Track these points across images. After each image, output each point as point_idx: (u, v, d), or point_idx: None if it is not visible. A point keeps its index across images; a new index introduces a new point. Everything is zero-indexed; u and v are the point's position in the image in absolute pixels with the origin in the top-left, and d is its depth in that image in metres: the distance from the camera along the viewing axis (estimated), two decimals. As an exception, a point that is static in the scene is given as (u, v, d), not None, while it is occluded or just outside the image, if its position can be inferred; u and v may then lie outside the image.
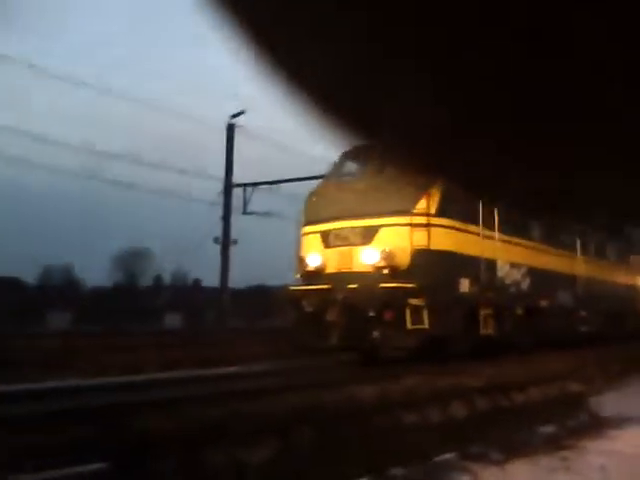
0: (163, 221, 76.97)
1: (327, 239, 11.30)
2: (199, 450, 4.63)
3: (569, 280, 15.81)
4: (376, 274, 10.45)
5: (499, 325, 12.16)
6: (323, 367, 11.28)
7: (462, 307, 11.21)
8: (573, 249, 16.25)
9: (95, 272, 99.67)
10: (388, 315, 10.15)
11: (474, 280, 11.49)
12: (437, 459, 4.84)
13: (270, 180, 27.00)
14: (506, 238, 12.71)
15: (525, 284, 13.43)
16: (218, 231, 27.71)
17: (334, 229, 11.20)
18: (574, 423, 6.64)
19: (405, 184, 10.96)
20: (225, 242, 27.71)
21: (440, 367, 9.85)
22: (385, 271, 10.42)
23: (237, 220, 28.14)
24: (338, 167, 12.70)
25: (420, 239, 10.52)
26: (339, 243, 11.09)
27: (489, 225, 12.08)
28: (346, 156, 12.71)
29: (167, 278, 70.69)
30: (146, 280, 74.06)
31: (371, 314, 10.18)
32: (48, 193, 77.35)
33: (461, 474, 4.55)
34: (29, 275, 69.27)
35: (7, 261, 75.62)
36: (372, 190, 11.23)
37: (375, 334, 10.28)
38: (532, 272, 13.66)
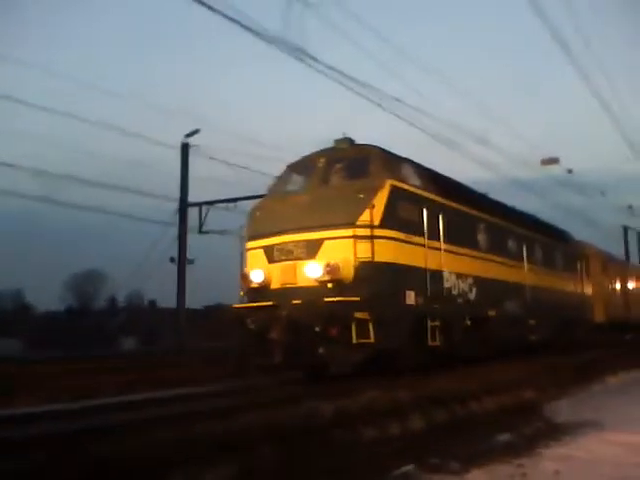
0: (117, 242, 75.64)
1: (271, 254, 11.05)
2: (159, 473, 4.55)
3: (517, 289, 15.93)
4: (320, 288, 10.25)
5: (447, 336, 12.07)
6: (274, 385, 11.12)
7: (408, 319, 11.08)
8: (520, 258, 16.40)
9: (47, 296, 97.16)
10: (333, 330, 9.94)
11: (420, 291, 11.39)
12: (396, 472, 4.84)
13: (226, 198, 26.86)
14: (451, 248, 12.68)
15: (472, 294, 13.42)
16: (174, 251, 27.46)
17: (278, 243, 10.96)
18: (529, 430, 6.72)
19: (348, 195, 10.85)
20: (181, 262, 27.35)
21: (390, 381, 9.77)
22: (329, 285, 10.22)
23: (194, 240, 28.09)
24: (282, 180, 12.52)
25: (364, 251, 10.35)
26: (283, 258, 10.86)
27: (434, 236, 12.03)
28: (291, 169, 12.58)
29: (122, 300, 69.48)
30: (100, 303, 72.77)
31: (316, 329, 9.96)
32: (-1, 216, 75.36)
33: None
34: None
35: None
36: (316, 202, 11.08)
37: (321, 350, 10.05)
38: (479, 282, 13.68)
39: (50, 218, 76.16)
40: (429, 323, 11.53)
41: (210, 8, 10.06)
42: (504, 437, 6.31)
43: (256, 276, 11.00)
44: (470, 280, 13.39)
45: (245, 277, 11.16)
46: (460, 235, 13.30)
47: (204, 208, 27.76)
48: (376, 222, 10.54)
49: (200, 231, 27.79)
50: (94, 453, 5.01)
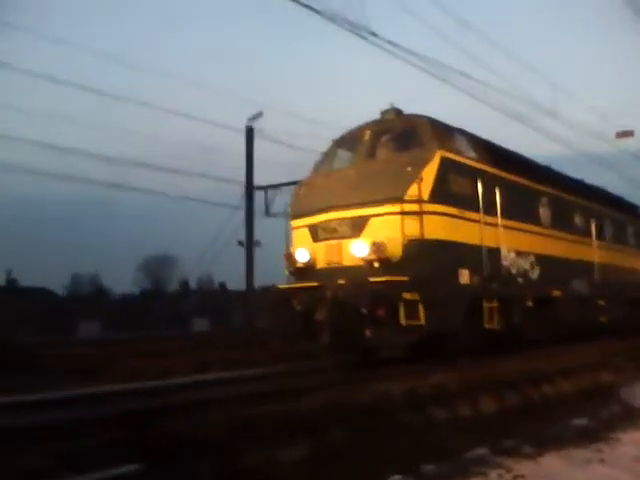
0: (187, 227, 77.21)
1: (315, 232, 10.56)
2: (233, 450, 4.65)
3: (585, 267, 14.88)
4: (366, 268, 9.70)
5: (506, 318, 11.31)
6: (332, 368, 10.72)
7: (462, 300, 10.39)
8: (588, 234, 15.30)
9: (121, 280, 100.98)
10: (380, 312, 9.38)
11: (475, 271, 10.67)
12: (469, 454, 4.74)
13: (291, 181, 26.65)
14: (510, 224, 11.85)
15: (534, 273, 12.56)
16: (242, 234, 27.60)
17: (322, 221, 10.45)
18: (606, 414, 6.55)
19: (395, 169, 10.23)
20: (249, 244, 27.48)
21: (451, 364, 9.43)
22: (376, 265, 9.65)
23: (260, 223, 27.93)
24: (328, 156, 11.98)
25: (412, 228, 9.72)
26: (328, 236, 10.35)
27: (490, 211, 11.24)
28: (337, 143, 12.03)
29: (193, 283, 71.17)
30: (172, 286, 74.90)
31: (363, 311, 9.44)
32: (71, 203, 78.32)
33: (494, 469, 4.41)
34: (58, 285, 70.37)
35: (36, 271, 77.05)
36: (361, 177, 10.51)
37: (367, 333, 9.53)
38: (542, 260, 12.79)
39: (122, 204, 78.54)
40: (485, 304, 10.81)
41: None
42: (580, 421, 6.08)
43: (301, 255, 10.55)
44: (532, 258, 12.52)
45: (290, 257, 10.72)
46: (520, 210, 12.43)
47: (270, 191, 27.53)
48: (425, 197, 9.88)
49: (267, 214, 27.54)
50: (170, 430, 5.17)
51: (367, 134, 11.23)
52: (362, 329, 9.52)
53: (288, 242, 11.26)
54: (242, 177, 27.69)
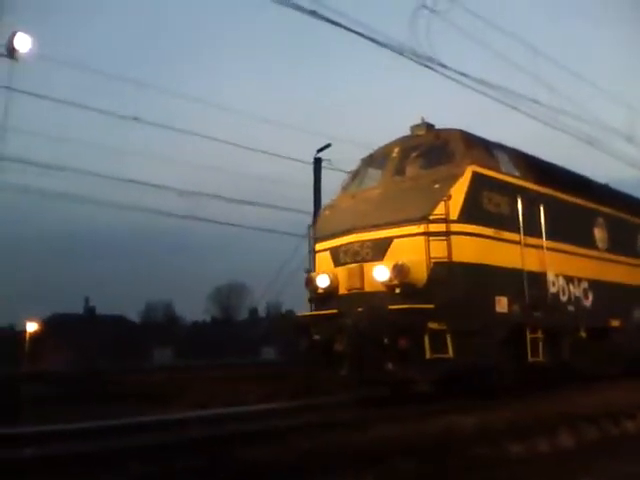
0: (257, 257, 78.25)
1: (337, 256, 9.80)
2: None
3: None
4: (388, 294, 8.86)
5: (554, 350, 10.14)
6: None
7: (499, 330, 9.34)
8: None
9: (193, 308, 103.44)
10: (402, 342, 8.50)
11: (515, 297, 9.61)
12: None
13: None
14: (558, 246, 10.72)
15: (588, 301, 11.31)
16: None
17: (344, 244, 9.69)
18: None
19: (423, 186, 9.41)
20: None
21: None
22: (397, 290, 8.80)
23: None
24: (356, 175, 11.26)
25: (439, 250, 8.82)
26: (349, 260, 9.55)
27: (533, 231, 10.18)
28: (365, 162, 11.31)
29: (262, 311, 71.74)
30: (242, 313, 75.87)
31: (385, 341, 8.58)
32: (146, 234, 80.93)
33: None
34: (132, 312, 72.69)
35: (112, 300, 79.99)
36: (387, 197, 9.74)
37: (389, 366, 8.65)
38: (597, 286, 11.52)
39: (194, 234, 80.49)
40: (529, 335, 9.70)
41: (336, 24, 9.88)
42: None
43: (322, 281, 9.79)
44: (585, 284, 11.29)
45: (310, 282, 9.98)
46: (571, 231, 11.28)
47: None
48: (453, 216, 8.97)
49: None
50: (243, 457, 5.35)
51: (396, 151, 10.46)
52: (383, 361, 8.68)
53: (310, 267, 10.54)
54: (311, 207, 27.71)
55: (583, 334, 10.99)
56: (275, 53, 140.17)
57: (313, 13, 9.64)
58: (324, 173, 27.43)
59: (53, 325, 52.53)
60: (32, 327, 46.55)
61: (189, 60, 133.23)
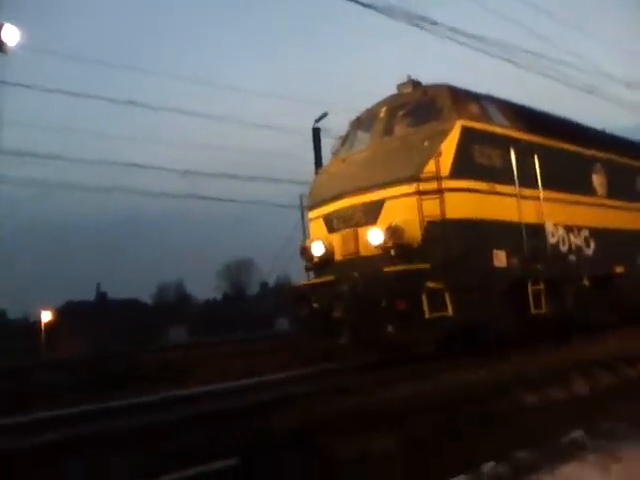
0: (264, 232, 78.53)
1: (330, 222, 9.68)
2: (322, 441, 4.71)
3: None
4: (383, 257, 8.74)
5: (557, 302, 10.03)
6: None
7: (499, 285, 9.23)
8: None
9: (204, 286, 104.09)
10: (401, 304, 8.40)
11: (514, 251, 9.47)
12: (564, 439, 4.45)
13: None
14: (556, 196, 10.53)
15: (590, 249, 11.15)
16: None
17: (336, 210, 9.56)
18: None
19: (412, 145, 9.22)
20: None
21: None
22: (392, 252, 8.67)
23: None
24: (345, 139, 11.06)
25: (431, 209, 8.67)
26: (343, 225, 9.43)
27: (529, 182, 9.99)
28: (354, 125, 11.09)
29: (272, 284, 71.96)
30: (252, 288, 76.22)
31: (382, 305, 8.50)
32: (148, 217, 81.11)
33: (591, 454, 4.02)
34: (145, 294, 73.24)
35: (124, 284, 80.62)
36: (376, 158, 9.57)
37: (389, 329, 8.58)
38: (598, 234, 11.35)
39: (200, 214, 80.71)
40: (530, 288, 9.58)
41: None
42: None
43: (316, 248, 9.69)
44: (585, 232, 11.12)
45: (305, 251, 9.87)
46: (568, 179, 11.07)
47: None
48: (445, 172, 8.80)
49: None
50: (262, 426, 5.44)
51: (383, 111, 10.24)
52: (383, 325, 8.60)
53: (305, 235, 10.43)
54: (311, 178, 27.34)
55: (586, 283, 10.86)
56: (266, 27, 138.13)
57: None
58: (326, 143, 27.17)
59: (67, 313, 53.01)
60: (46, 317, 46.99)
61: (188, 40, 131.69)
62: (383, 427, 5.01)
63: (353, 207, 9.26)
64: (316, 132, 26.84)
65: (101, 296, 68.41)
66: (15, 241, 65.67)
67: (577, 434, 4.53)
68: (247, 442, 4.89)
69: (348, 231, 9.32)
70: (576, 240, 10.90)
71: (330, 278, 9.25)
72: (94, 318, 54.77)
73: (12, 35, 13.66)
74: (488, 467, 3.92)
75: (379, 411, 5.62)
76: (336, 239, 9.54)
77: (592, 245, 11.22)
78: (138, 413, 7.29)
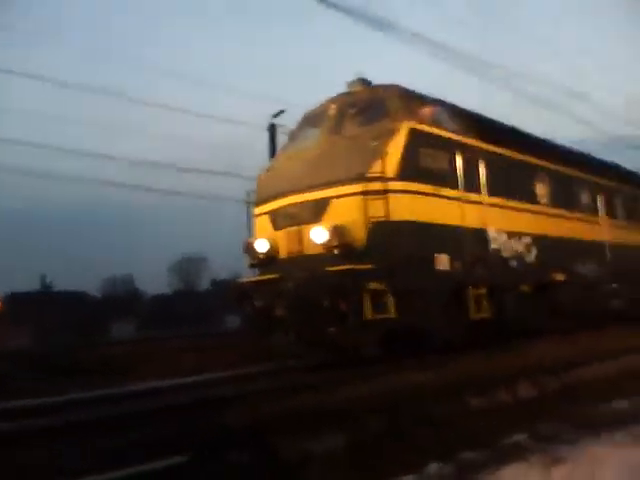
0: (217, 227, 77.60)
1: (276, 220, 9.57)
2: (272, 441, 4.68)
3: (594, 248, 13.55)
4: (327, 256, 8.67)
5: (497, 306, 10.16)
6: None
7: (441, 288, 9.29)
8: (594, 210, 13.95)
9: (154, 281, 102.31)
10: (342, 305, 8.36)
11: (456, 255, 9.54)
12: (507, 441, 4.59)
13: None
14: (499, 202, 10.68)
15: (531, 256, 11.34)
16: None
17: (282, 207, 9.45)
18: None
19: (360, 145, 9.17)
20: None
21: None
22: (336, 252, 8.62)
23: None
24: (295, 135, 10.96)
25: (376, 210, 8.64)
26: (288, 223, 9.34)
27: (473, 187, 10.09)
28: (304, 121, 10.99)
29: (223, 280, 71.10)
30: (203, 285, 75.26)
31: (325, 304, 8.42)
32: (97, 207, 79.15)
33: (533, 455, 4.13)
34: (93, 288, 71.33)
35: (70, 275, 78.15)
36: (324, 156, 9.48)
37: (331, 329, 8.52)
38: (540, 241, 11.56)
39: (148, 206, 79.22)
40: (471, 292, 9.68)
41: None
42: (621, 404, 5.89)
43: (260, 246, 9.56)
44: (527, 239, 11.30)
45: (249, 247, 9.73)
46: (512, 187, 11.24)
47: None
48: (390, 173, 8.79)
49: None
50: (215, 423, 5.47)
51: (332, 108, 10.17)
52: (325, 325, 8.54)
53: (250, 232, 10.28)
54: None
55: (526, 289, 11.04)
56: (227, 19, 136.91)
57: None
58: (281, 140, 27.07)
59: (11, 304, 51.24)
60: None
61: (148, 31, 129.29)
62: (327, 428, 4.98)
63: (299, 205, 9.17)
64: (272, 128, 26.96)
65: (46, 287, 66.46)
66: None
67: (520, 437, 4.63)
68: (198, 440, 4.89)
69: (293, 229, 9.22)
70: (518, 246, 11.06)
71: (274, 276, 9.13)
72: (39, 310, 53.22)
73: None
74: (433, 467, 3.99)
75: (323, 412, 5.59)
76: (281, 237, 9.43)
77: (533, 252, 11.41)
78: (76, 408, 7.22)
